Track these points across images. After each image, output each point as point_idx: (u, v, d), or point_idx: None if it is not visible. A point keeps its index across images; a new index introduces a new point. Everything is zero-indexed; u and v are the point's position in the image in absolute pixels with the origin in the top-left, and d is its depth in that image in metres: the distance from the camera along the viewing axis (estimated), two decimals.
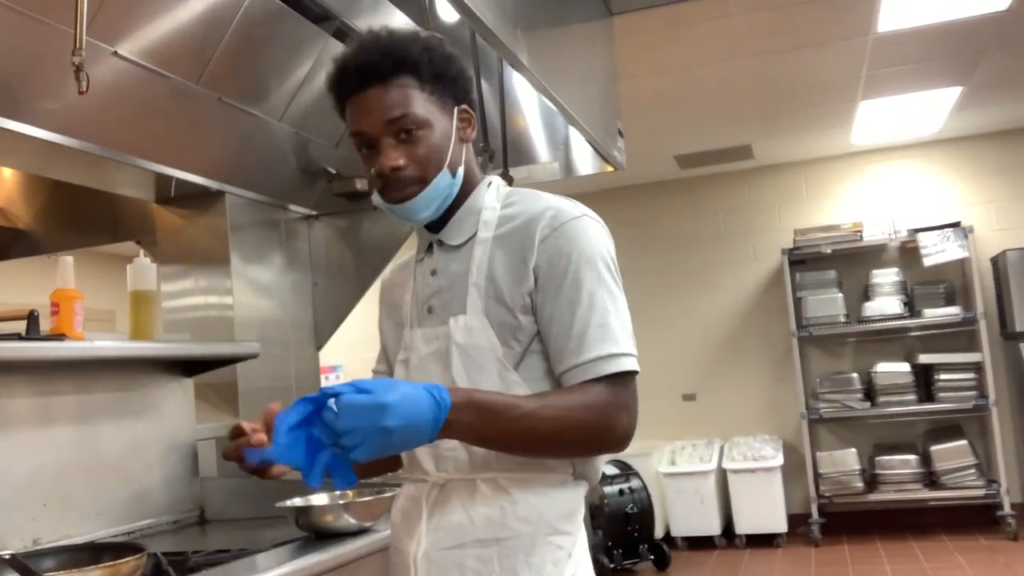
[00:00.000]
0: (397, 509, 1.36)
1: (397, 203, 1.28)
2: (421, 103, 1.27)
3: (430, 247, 1.36)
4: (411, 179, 1.27)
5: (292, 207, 3.03)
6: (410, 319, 1.36)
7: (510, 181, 2.59)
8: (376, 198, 1.32)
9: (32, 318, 1.75)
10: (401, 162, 1.26)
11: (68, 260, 1.96)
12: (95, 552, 1.49)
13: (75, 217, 3.06)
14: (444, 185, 1.29)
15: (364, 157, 1.31)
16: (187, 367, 2.39)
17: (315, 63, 2.55)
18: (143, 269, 2.27)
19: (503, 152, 2.64)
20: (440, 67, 1.29)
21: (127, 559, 1.36)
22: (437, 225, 1.35)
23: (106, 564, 1.34)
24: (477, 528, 1.22)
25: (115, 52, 1.99)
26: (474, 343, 1.26)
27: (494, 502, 1.23)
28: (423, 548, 1.25)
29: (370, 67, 1.26)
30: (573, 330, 1.23)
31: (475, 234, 1.32)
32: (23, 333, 1.75)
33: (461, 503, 1.24)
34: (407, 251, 1.50)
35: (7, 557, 1.33)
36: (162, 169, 2.42)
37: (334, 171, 2.88)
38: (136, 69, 2.07)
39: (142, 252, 2.39)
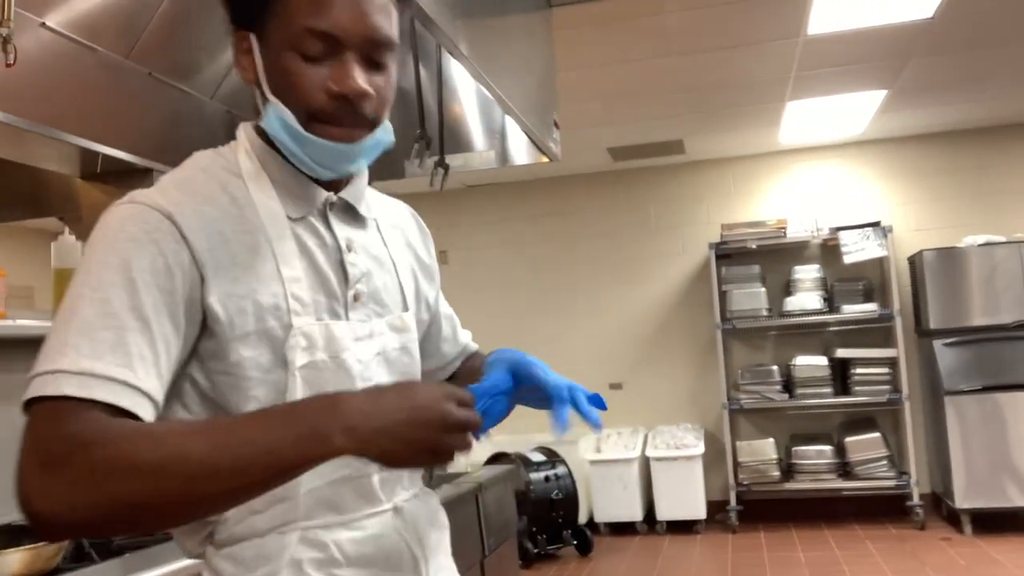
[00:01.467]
0: (359, 552, 1.01)
1: (340, 140, 1.00)
2: (395, 30, 1.03)
3: (325, 207, 1.06)
4: (366, 116, 1.01)
5: None
6: (311, 303, 1.01)
7: (446, 169, 2.60)
8: (286, 123, 0.99)
9: None
10: (371, 91, 1.00)
11: None
12: (14, 534, 1.46)
13: None
14: (386, 139, 1.05)
15: (305, 64, 0.98)
16: None
17: None
18: (68, 247, 2.22)
19: (439, 139, 2.64)
20: None
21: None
22: (329, 185, 1.06)
23: (28, 547, 1.31)
24: (443, 536, 1.15)
25: (43, 23, 1.93)
26: (418, 348, 1.13)
27: (439, 513, 1.15)
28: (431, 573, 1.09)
29: None
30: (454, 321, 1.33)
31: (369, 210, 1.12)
32: None
33: (427, 521, 1.11)
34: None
35: None
36: (88, 144, 2.36)
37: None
38: (64, 41, 2.02)
39: (67, 229, 2.33)
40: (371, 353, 1.05)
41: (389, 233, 1.15)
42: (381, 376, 1.05)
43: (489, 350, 1.15)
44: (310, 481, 0.97)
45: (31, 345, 2.14)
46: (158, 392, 0.89)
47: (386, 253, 1.12)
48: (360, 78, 0.99)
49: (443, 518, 1.17)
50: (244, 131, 1.06)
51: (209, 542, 0.99)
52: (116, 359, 0.86)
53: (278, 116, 0.99)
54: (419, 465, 0.96)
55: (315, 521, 0.98)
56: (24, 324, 1.98)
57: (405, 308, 1.12)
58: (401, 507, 1.06)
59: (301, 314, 0.98)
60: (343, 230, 1.06)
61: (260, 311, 0.96)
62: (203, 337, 0.95)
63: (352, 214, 1.09)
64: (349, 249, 1.06)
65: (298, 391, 0.96)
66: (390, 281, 1.11)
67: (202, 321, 0.94)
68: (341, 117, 0.99)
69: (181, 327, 0.93)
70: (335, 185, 1.06)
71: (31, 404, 0.84)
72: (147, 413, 0.87)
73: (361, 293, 1.06)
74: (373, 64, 1.01)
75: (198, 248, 0.93)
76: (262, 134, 1.04)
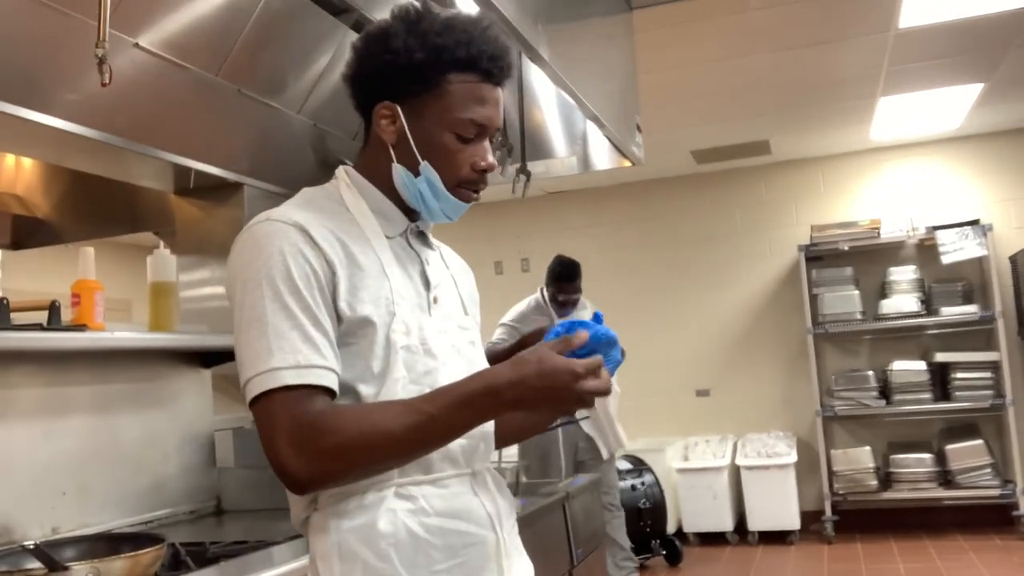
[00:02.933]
0: (445, 505, 1.22)
1: (466, 202, 1.29)
2: None
3: (406, 232, 1.32)
4: (486, 183, 1.33)
5: None
6: (407, 300, 1.24)
7: (528, 176, 2.59)
8: (432, 182, 1.25)
9: (53, 308, 1.76)
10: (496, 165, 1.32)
11: (89, 251, 1.96)
12: (114, 542, 1.50)
13: (94, 207, 3.08)
14: None
15: (459, 146, 1.25)
16: (205, 358, 2.40)
17: (333, 56, 2.54)
18: (163, 260, 2.28)
19: (521, 146, 2.63)
20: None
21: (148, 550, 1.37)
22: (408, 217, 1.33)
23: (128, 555, 1.34)
24: (513, 509, 1.35)
25: (136, 44, 1.99)
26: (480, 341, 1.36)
27: (502, 486, 1.36)
28: (505, 533, 1.28)
29: (511, 68, 1.29)
30: None
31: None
32: (44, 323, 1.76)
33: (497, 489, 1.32)
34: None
35: (31, 547, 1.34)
36: (181, 161, 2.43)
37: (351, 164, 2.88)
38: (156, 61, 2.07)
39: (161, 243, 2.39)
40: (448, 344, 1.28)
41: (449, 261, 1.42)
42: (456, 362, 1.27)
43: None
44: None
45: (128, 357, 2.21)
46: (337, 364, 1.16)
47: (448, 274, 1.38)
48: (493, 159, 1.29)
49: (509, 492, 1.38)
50: (345, 171, 1.32)
51: (314, 507, 1.20)
52: (309, 349, 1.13)
53: (428, 177, 1.26)
54: (563, 410, 1.23)
55: (407, 479, 1.19)
56: (121, 336, 2.04)
57: (466, 313, 1.38)
58: (479, 471, 1.30)
59: (402, 306, 1.22)
60: (421, 250, 1.33)
61: (375, 301, 1.20)
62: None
63: (424, 240, 1.36)
64: (427, 263, 1.32)
65: (400, 367, 1.19)
66: (453, 293, 1.37)
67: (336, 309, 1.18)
68: (477, 184, 1.29)
69: (333, 315, 1.17)
70: (412, 216, 1.32)
71: (260, 397, 1.11)
72: (335, 383, 1.15)
73: (438, 297, 1.31)
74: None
75: (328, 252, 1.17)
76: (361, 172, 1.31)
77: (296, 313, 1.13)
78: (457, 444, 1.23)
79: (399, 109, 1.24)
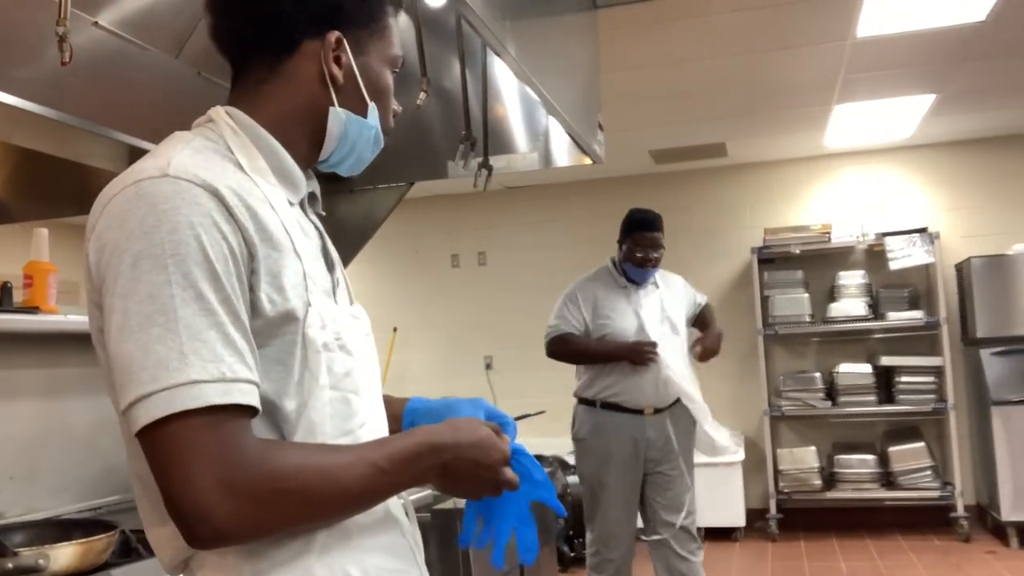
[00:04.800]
0: (378, 542, 1.05)
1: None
2: None
3: (307, 198, 1.10)
4: None
5: None
6: (319, 285, 1.03)
7: (490, 170, 2.59)
8: (373, 127, 1.11)
9: (5, 289, 1.72)
10: None
11: (43, 232, 1.93)
12: (64, 527, 1.47)
13: (45, 187, 3.01)
14: None
15: (391, 87, 1.14)
16: None
17: None
18: None
19: (484, 140, 2.63)
20: None
21: (99, 536, 1.35)
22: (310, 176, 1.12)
23: (79, 541, 1.33)
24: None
25: (95, 23, 1.96)
26: None
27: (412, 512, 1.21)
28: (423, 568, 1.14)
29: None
30: None
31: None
32: None
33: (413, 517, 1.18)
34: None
35: None
36: (137, 142, 2.38)
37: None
38: (116, 40, 2.04)
39: None
40: (362, 334, 1.09)
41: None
42: (368, 360, 1.09)
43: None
44: None
45: (81, 340, 2.17)
46: (259, 375, 0.92)
47: (334, 250, 1.15)
48: None
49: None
50: (232, 116, 1.04)
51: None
52: (232, 356, 0.88)
53: (374, 119, 1.09)
54: (476, 492, 1.07)
55: None
56: (75, 320, 2.01)
57: (351, 301, 1.14)
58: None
59: (315, 293, 1.00)
60: (315, 220, 1.11)
61: (294, 290, 0.97)
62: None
63: (315, 206, 1.13)
64: (325, 237, 1.11)
65: (324, 372, 0.98)
66: (342, 274, 1.14)
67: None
68: (390, 130, 1.14)
69: (249, 308, 0.93)
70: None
71: (169, 420, 0.85)
72: (259, 400, 0.91)
73: (339, 280, 1.10)
74: None
75: (247, 227, 0.93)
76: (257, 119, 1.05)
77: (215, 307, 0.88)
78: None
79: (344, 41, 1.06)
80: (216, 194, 0.91)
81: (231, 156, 1.00)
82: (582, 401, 3.80)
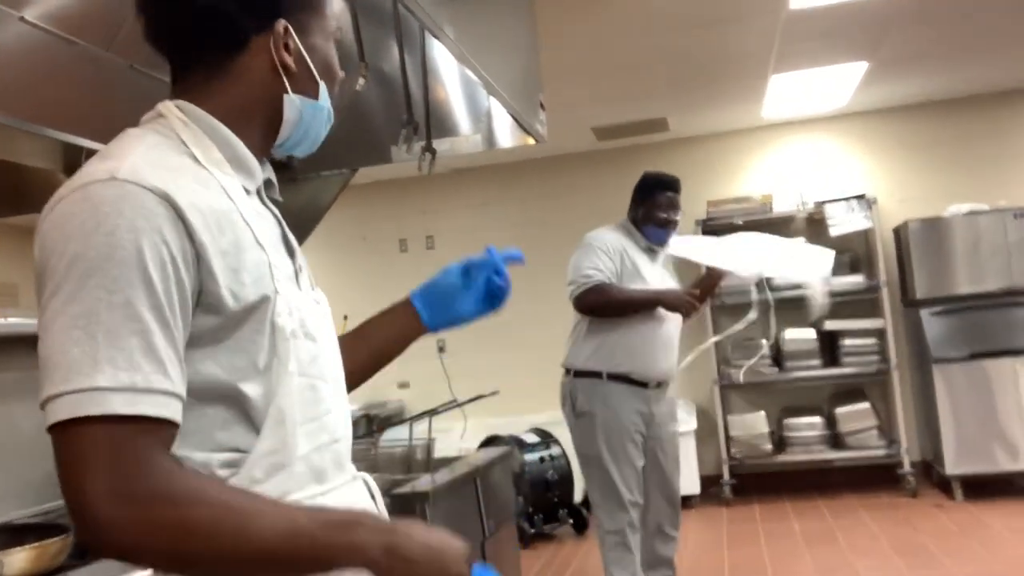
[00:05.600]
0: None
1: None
2: None
3: (262, 185, 1.10)
4: None
5: None
6: (282, 272, 1.03)
7: (433, 154, 2.59)
8: (327, 108, 1.12)
9: None
10: None
11: None
12: (17, 533, 1.45)
13: None
14: None
15: (335, 58, 1.13)
16: None
17: None
18: None
19: (426, 124, 2.62)
20: None
21: (53, 540, 1.34)
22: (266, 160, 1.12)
23: (33, 545, 1.31)
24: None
25: (21, 17, 1.90)
26: None
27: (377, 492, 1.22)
28: None
29: None
30: None
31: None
32: None
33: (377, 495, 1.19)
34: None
35: None
36: (70, 139, 2.34)
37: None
38: (43, 35, 1.99)
39: None
40: (323, 319, 1.09)
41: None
42: (332, 346, 1.09)
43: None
44: (304, 445, 1.01)
45: (21, 343, 2.13)
46: (183, 387, 0.90)
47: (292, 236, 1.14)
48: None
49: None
50: (182, 109, 1.03)
51: None
52: (151, 366, 0.86)
53: (325, 99, 1.09)
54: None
55: (305, 492, 1.00)
56: (15, 323, 1.97)
57: (313, 286, 1.14)
58: (358, 476, 1.13)
59: (281, 281, 1.00)
60: (272, 207, 1.10)
61: (257, 282, 0.96)
62: (199, 319, 0.93)
63: (271, 195, 1.12)
64: (283, 224, 1.11)
65: (292, 358, 0.98)
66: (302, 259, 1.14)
67: (196, 304, 0.93)
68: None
69: (189, 317, 0.92)
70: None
71: (71, 424, 0.83)
72: (179, 413, 0.89)
73: (301, 266, 1.10)
74: None
75: (196, 226, 0.91)
76: (210, 111, 1.04)
77: (141, 313, 0.86)
78: (344, 444, 1.09)
79: (291, 28, 1.05)
80: (165, 197, 0.90)
81: (186, 149, 0.99)
82: (581, 374, 3.55)
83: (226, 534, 0.85)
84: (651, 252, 3.65)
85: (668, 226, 3.58)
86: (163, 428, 0.87)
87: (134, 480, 0.83)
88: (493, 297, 1.41)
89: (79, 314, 0.85)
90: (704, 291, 3.64)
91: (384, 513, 1.13)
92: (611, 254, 3.52)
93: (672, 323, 3.57)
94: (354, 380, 1.25)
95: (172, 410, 0.87)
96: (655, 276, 3.61)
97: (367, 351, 1.33)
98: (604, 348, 3.51)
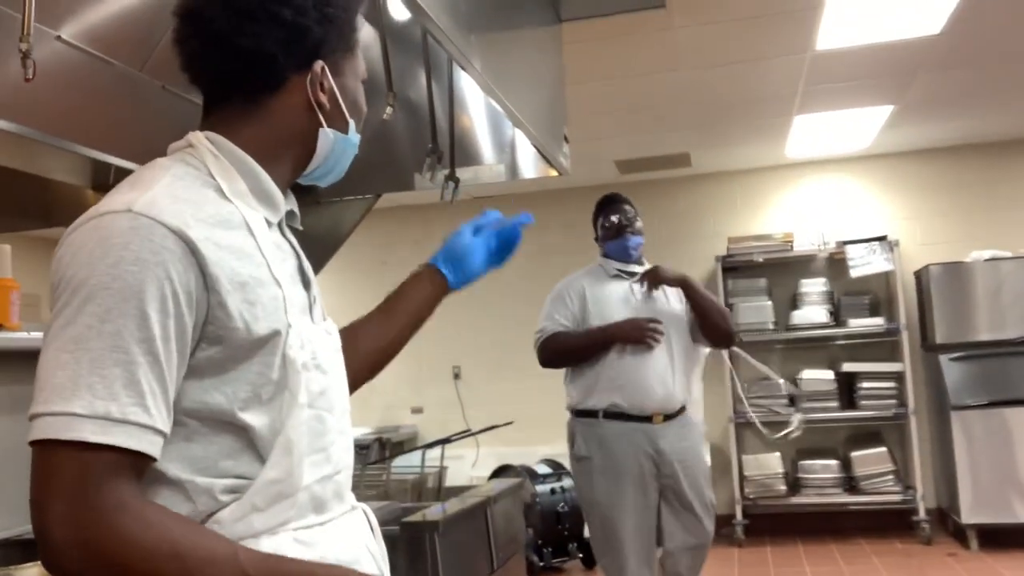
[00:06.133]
0: (343, 553, 1.07)
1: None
2: None
3: (282, 218, 1.12)
4: None
5: None
6: (295, 305, 1.04)
7: (457, 182, 2.60)
8: (354, 144, 1.17)
9: None
10: None
11: (5, 248, 1.91)
12: (30, 547, 1.46)
13: (7, 201, 2.97)
14: None
15: (363, 97, 1.19)
16: None
17: None
18: None
19: (450, 153, 2.64)
20: None
21: None
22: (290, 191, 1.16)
23: None
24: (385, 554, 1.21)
25: (58, 36, 1.94)
26: None
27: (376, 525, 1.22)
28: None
29: None
30: None
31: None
32: None
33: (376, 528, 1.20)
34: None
35: None
36: (101, 156, 2.37)
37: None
38: (79, 54, 2.03)
39: None
40: (333, 350, 1.11)
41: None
42: (341, 377, 1.12)
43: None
44: (309, 476, 1.02)
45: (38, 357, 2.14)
46: (167, 425, 0.91)
47: (309, 266, 1.16)
48: None
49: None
50: (212, 141, 1.06)
51: None
52: (130, 398, 0.87)
53: (355, 135, 1.15)
54: None
55: (303, 522, 1.01)
56: (39, 336, 1.98)
57: (324, 316, 1.17)
58: (357, 506, 1.14)
59: (292, 313, 1.02)
60: (291, 238, 1.14)
61: (270, 315, 0.98)
62: (203, 350, 0.95)
63: (291, 224, 1.15)
64: (301, 257, 1.13)
65: (303, 390, 1.00)
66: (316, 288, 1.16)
67: (201, 336, 0.94)
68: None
69: (186, 351, 0.93)
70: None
71: (44, 443, 0.86)
72: (158, 449, 0.90)
73: (315, 298, 1.12)
74: None
75: (209, 261, 0.93)
76: (241, 145, 1.07)
77: (128, 344, 0.87)
78: (345, 474, 1.10)
79: (327, 68, 1.10)
80: (178, 232, 0.91)
81: (212, 181, 1.02)
82: (579, 413, 3.35)
83: None
84: (623, 277, 3.43)
85: (623, 231, 3.43)
86: (134, 460, 0.88)
87: (88, 507, 0.85)
88: (502, 249, 1.60)
89: (70, 338, 0.87)
90: (651, 284, 3.39)
91: (381, 545, 1.14)
92: (570, 299, 3.41)
93: (664, 349, 3.27)
94: (388, 354, 1.40)
95: (146, 443, 0.88)
96: (629, 304, 3.34)
97: (402, 321, 1.45)
98: (593, 384, 3.29)
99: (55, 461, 0.86)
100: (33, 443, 0.87)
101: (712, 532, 3.43)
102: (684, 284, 3.36)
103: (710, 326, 3.35)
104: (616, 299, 3.36)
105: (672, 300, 3.42)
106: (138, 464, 0.89)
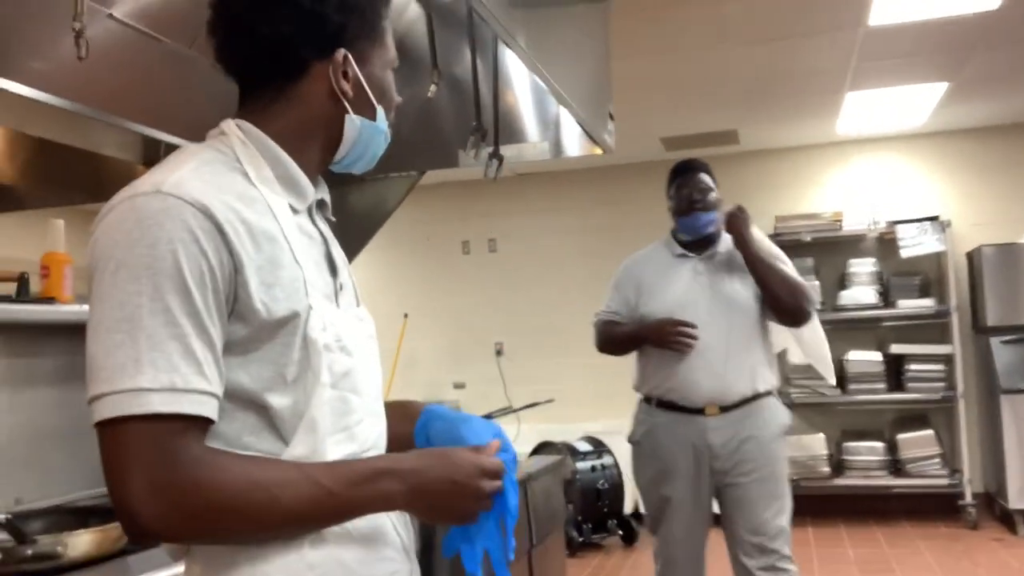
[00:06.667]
0: (367, 530, 1.08)
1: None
2: None
3: (311, 204, 1.14)
4: None
5: None
6: (319, 289, 1.07)
7: (501, 160, 2.60)
8: (387, 133, 1.18)
9: (22, 280, 1.75)
10: None
11: (59, 224, 1.96)
12: (80, 515, 1.50)
13: (59, 176, 3.04)
14: None
15: (392, 85, 1.19)
16: None
17: None
18: None
19: (495, 130, 2.64)
20: None
21: (115, 523, 1.38)
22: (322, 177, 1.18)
23: (96, 528, 1.35)
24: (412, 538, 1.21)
25: (110, 14, 1.97)
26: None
27: None
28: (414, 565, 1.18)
29: None
30: None
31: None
32: (13, 295, 1.75)
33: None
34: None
35: (2, 519, 1.34)
36: (151, 132, 2.41)
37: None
38: (130, 32, 2.06)
39: None
40: (364, 336, 1.13)
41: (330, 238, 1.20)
42: (369, 360, 1.13)
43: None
44: (333, 454, 1.04)
45: None
46: (221, 390, 0.96)
47: (342, 254, 1.18)
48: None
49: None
50: (241, 128, 1.09)
51: None
52: (189, 368, 0.92)
53: (383, 121, 1.15)
54: (450, 524, 1.09)
55: None
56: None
57: (359, 303, 1.19)
58: None
59: (315, 296, 1.04)
60: (322, 227, 1.15)
61: (291, 297, 1.01)
62: (231, 325, 0.98)
63: (323, 212, 1.17)
64: (330, 243, 1.15)
65: (325, 370, 1.02)
66: (349, 279, 1.18)
67: (230, 312, 0.98)
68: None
69: (225, 322, 0.97)
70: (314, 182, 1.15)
71: (115, 421, 0.90)
72: (216, 412, 0.96)
73: (344, 284, 1.14)
74: None
75: (233, 241, 0.96)
76: (268, 132, 1.09)
77: (179, 318, 0.92)
78: (374, 453, 1.12)
79: (350, 56, 1.11)
80: (204, 211, 0.95)
81: (239, 167, 1.05)
82: (643, 399, 3.21)
83: (253, 511, 0.93)
84: (689, 256, 3.14)
85: (693, 208, 3.07)
86: (199, 424, 0.94)
87: (170, 473, 0.90)
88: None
89: (122, 318, 0.91)
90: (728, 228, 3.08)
91: (405, 516, 1.15)
92: (623, 285, 3.23)
93: (720, 337, 3.02)
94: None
95: (208, 408, 0.94)
96: (689, 289, 3.09)
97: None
98: (646, 369, 3.15)
99: (129, 437, 0.90)
100: (101, 423, 0.91)
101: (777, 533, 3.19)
102: (740, 244, 3.05)
103: (771, 298, 3.09)
104: (676, 282, 3.12)
105: (740, 281, 3.11)
106: (202, 427, 0.94)
